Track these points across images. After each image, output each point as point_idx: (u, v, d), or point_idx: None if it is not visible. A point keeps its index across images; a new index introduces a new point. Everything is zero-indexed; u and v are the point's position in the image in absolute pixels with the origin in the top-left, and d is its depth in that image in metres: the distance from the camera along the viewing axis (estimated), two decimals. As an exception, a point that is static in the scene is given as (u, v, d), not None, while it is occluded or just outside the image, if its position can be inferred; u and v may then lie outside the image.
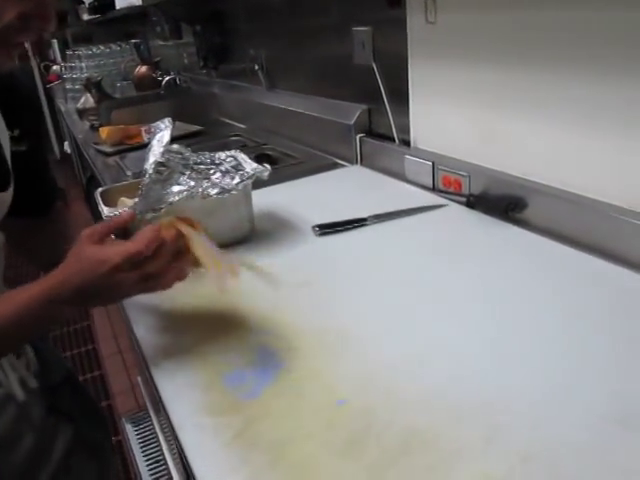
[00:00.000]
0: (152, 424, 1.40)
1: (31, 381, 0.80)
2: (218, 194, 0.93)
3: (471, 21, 1.09)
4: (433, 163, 1.23)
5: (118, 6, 2.65)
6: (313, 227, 1.06)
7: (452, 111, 1.20)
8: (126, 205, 0.96)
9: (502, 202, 1.06)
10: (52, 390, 0.84)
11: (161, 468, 1.58)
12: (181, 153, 1.03)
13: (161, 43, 3.05)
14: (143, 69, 2.85)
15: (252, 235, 1.06)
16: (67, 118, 3.10)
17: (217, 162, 1.03)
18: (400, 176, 1.34)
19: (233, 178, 0.95)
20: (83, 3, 3.46)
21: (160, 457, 1.63)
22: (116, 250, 0.61)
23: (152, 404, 1.39)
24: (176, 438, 0.62)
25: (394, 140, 1.39)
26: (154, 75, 2.78)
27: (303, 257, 0.98)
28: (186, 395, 0.66)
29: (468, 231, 1.04)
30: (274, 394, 0.65)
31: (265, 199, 1.19)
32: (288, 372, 0.68)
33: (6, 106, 0.77)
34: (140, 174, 1.71)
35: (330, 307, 0.82)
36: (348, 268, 0.93)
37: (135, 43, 3.26)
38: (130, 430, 1.78)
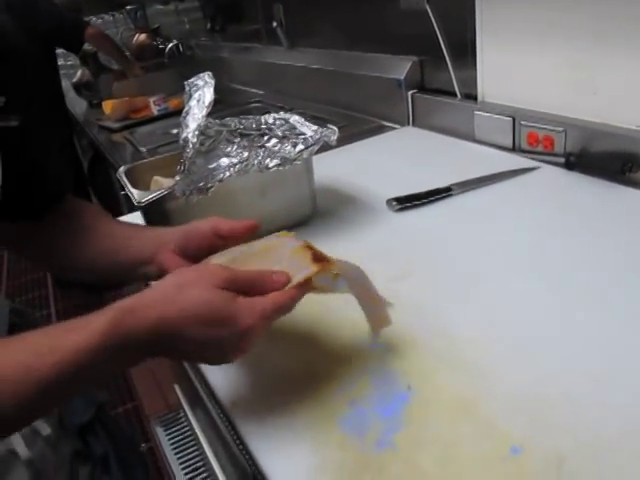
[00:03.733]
0: (190, 427, 1.24)
1: (43, 428, 0.60)
2: (279, 165, 0.73)
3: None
4: (513, 119, 1.03)
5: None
6: (389, 201, 0.86)
7: (536, 56, 0.99)
8: (162, 185, 0.77)
9: (615, 160, 0.87)
10: (80, 432, 0.65)
11: (202, 477, 1.41)
12: (217, 119, 0.84)
13: (159, 7, 2.81)
14: (142, 37, 2.62)
15: (314, 215, 0.87)
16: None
17: (265, 127, 0.84)
18: (466, 136, 1.14)
19: (295, 145, 0.75)
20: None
21: (200, 464, 1.46)
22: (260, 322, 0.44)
23: (190, 405, 1.21)
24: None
25: (455, 95, 1.19)
26: (155, 43, 2.54)
27: (385, 241, 0.79)
28: (285, 456, 0.48)
29: (578, 197, 0.85)
30: (412, 443, 0.46)
31: (315, 170, 0.98)
32: (420, 405, 0.49)
33: None
34: (156, 150, 1.52)
35: (439, 306, 0.63)
36: (446, 253, 0.74)
37: (129, 10, 3.02)
38: (161, 434, 1.61)
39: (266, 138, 0.78)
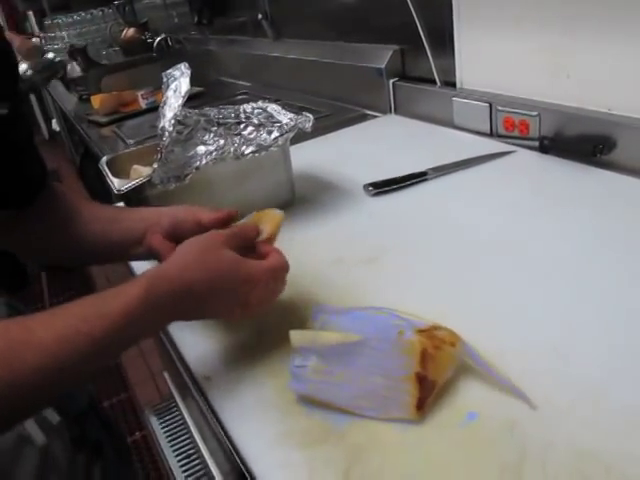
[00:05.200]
0: (181, 415, 1.26)
1: (52, 416, 0.62)
2: (254, 152, 0.75)
3: None
4: (490, 104, 1.05)
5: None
6: (365, 186, 0.88)
7: (511, 42, 1.01)
8: (141, 174, 0.79)
9: (587, 143, 0.89)
10: (77, 419, 0.67)
11: (194, 463, 1.43)
12: (197, 109, 0.85)
13: (148, 1, 2.81)
14: (130, 32, 2.62)
15: (293, 201, 0.89)
16: (53, 92, 2.88)
17: (243, 116, 0.85)
18: (446, 122, 1.16)
19: (270, 132, 0.77)
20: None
21: (192, 451, 1.48)
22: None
23: (179, 392, 1.24)
24: None
25: (435, 82, 1.21)
26: (143, 37, 2.55)
27: (360, 224, 0.81)
28: (256, 423, 0.50)
29: (550, 179, 0.87)
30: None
31: (295, 158, 1.00)
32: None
33: None
34: (143, 143, 1.53)
35: (413, 286, 0.65)
36: (418, 235, 0.76)
37: (118, 5, 3.01)
38: (155, 423, 1.63)
39: (242, 126, 0.80)
